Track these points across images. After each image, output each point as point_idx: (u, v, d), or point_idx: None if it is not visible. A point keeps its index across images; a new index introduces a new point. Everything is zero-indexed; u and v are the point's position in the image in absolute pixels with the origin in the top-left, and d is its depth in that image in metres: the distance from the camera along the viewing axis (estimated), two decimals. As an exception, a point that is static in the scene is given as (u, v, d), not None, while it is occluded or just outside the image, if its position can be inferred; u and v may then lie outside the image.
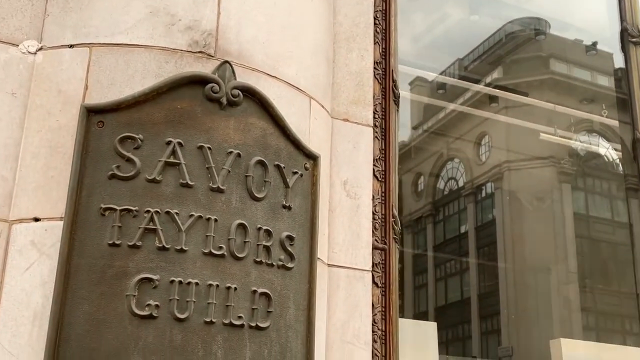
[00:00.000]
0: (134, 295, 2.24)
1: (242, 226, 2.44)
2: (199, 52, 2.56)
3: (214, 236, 2.37)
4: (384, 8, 3.42)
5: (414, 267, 22.70)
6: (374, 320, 2.89)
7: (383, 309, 2.98)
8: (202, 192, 2.40)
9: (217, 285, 2.34)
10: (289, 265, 2.53)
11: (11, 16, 2.58)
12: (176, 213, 2.34)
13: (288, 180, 2.60)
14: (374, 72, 3.26)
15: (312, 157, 2.72)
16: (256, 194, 2.49)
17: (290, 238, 2.55)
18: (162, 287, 2.27)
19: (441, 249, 23.36)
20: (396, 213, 3.18)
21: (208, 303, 2.31)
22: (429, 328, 5.98)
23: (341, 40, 3.13)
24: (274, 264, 2.49)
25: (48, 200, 2.36)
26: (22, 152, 2.44)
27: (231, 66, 2.55)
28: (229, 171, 2.46)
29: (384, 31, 3.39)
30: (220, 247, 2.38)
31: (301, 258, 2.59)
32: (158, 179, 2.36)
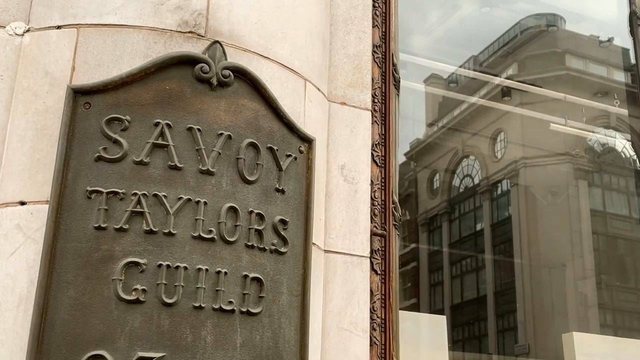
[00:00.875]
0: (121, 280, 2.18)
1: (232, 209, 2.37)
2: (189, 32, 2.50)
3: (203, 219, 2.31)
4: (384, -9, 3.34)
5: (429, 265, 22.60)
6: (372, 308, 2.81)
7: (382, 297, 2.91)
8: (192, 174, 2.34)
9: (207, 270, 2.28)
10: (282, 249, 2.46)
11: (-2, -2, 2.53)
12: (164, 196, 2.28)
13: (281, 163, 2.53)
14: (373, 55, 3.18)
15: (307, 140, 2.65)
16: (248, 177, 2.43)
17: (283, 222, 2.49)
18: (150, 271, 2.21)
19: (457, 246, 23.22)
20: (396, 199, 3.10)
21: (197, 288, 2.25)
22: (439, 322, 5.91)
23: (338, 22, 3.05)
24: (267, 248, 2.42)
25: (34, 183, 2.31)
26: (9, 135, 2.39)
27: (222, 46, 2.48)
28: (220, 153, 2.39)
29: (383, 14, 3.32)
30: (210, 231, 2.32)
31: (295, 243, 2.52)
32: (146, 161, 2.30)
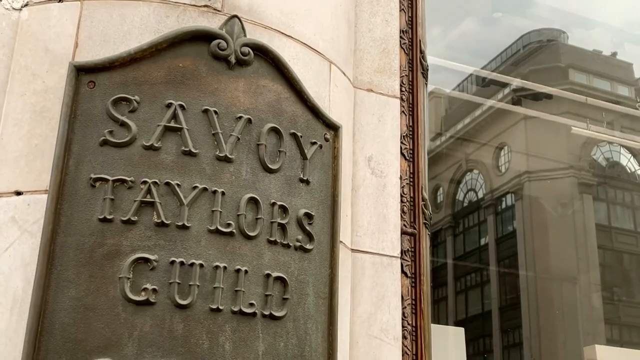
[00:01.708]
0: (128, 278, 1.92)
1: (253, 200, 2.12)
2: (204, 5, 2.25)
3: (221, 211, 2.06)
4: (409, -27, 3.11)
5: (433, 280, 22.33)
6: (403, 314, 2.55)
7: (413, 302, 2.65)
8: (208, 161, 2.09)
9: (225, 268, 2.02)
10: (308, 246, 2.21)
11: (-6, -31, 2.29)
12: (177, 184, 2.03)
13: (306, 151, 2.28)
14: (400, 40, 2.94)
15: (333, 128, 2.40)
16: (270, 165, 2.18)
17: (308, 216, 2.23)
18: (161, 269, 1.95)
19: (461, 261, 22.94)
20: (426, 196, 2.85)
21: (214, 288, 1.99)
22: (458, 333, 5.65)
23: (364, 3, 2.81)
24: (291, 244, 2.17)
25: (31, 171, 2.06)
26: (4, 119, 2.14)
27: (240, 21, 2.24)
28: (238, 138, 2.14)
29: (409, -2, 3.08)
30: (229, 224, 2.06)
31: (321, 239, 2.26)
32: (157, 145, 2.05)
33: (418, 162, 2.86)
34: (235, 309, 2.00)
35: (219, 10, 2.27)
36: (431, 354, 2.69)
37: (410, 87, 2.95)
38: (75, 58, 2.15)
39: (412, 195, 2.79)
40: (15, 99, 2.15)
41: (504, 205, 20.87)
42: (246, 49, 2.22)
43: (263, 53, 2.26)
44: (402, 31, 2.98)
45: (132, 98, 2.07)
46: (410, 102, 2.92)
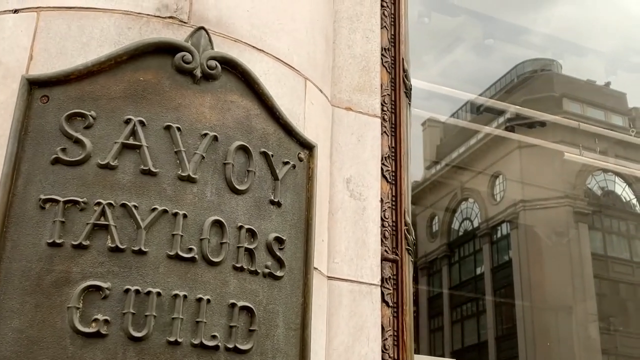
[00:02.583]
0: (78, 308, 1.76)
1: (218, 224, 1.96)
2: (170, 17, 2.12)
3: (182, 235, 1.90)
4: (392, -10, 2.99)
5: (429, 310, 22.08)
6: (384, 346, 2.38)
7: (395, 333, 2.48)
8: (169, 181, 1.94)
9: (185, 297, 1.86)
10: (278, 273, 2.05)
11: (-53, -21, 2.16)
12: (134, 206, 1.88)
13: (277, 171, 2.13)
14: (382, 58, 2.81)
15: (308, 147, 2.25)
16: (237, 186, 2.03)
17: (279, 240, 2.08)
18: (114, 298, 1.79)
19: (457, 290, 22.72)
20: (409, 220, 2.70)
21: (173, 318, 1.83)
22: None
23: (343, 19, 2.69)
24: (259, 271, 2.01)
25: (-23, 191, 1.90)
26: (-50, 136, 1.99)
27: (208, 33, 2.11)
28: (203, 157, 2.00)
29: (392, 15, 2.96)
30: (190, 249, 1.90)
31: (293, 266, 2.10)
32: (113, 164, 1.90)
33: (401, 185, 2.71)
34: (196, 342, 1.84)
35: (185, 22, 2.13)
36: (415, 389, 2.51)
37: (393, 106, 2.81)
38: (30, 71, 2.01)
39: (394, 219, 2.64)
40: (-37, 115, 2.00)
41: (499, 234, 20.74)
42: (213, 63, 2.08)
43: (232, 67, 2.12)
44: (385, 49, 2.85)
45: (88, 113, 1.93)
46: (393, 122, 2.79)
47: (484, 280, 21.19)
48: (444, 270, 22.58)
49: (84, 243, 1.81)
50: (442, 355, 20.29)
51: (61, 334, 1.74)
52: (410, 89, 2.93)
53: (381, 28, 2.86)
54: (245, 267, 1.98)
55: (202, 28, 2.11)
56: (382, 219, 2.58)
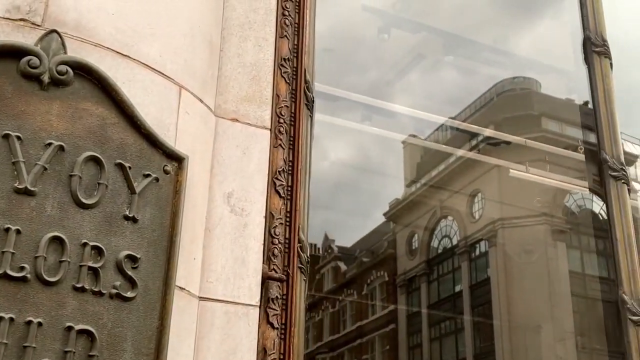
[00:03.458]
0: None
1: (58, 240, 1.82)
2: (21, 19, 1.99)
3: (13, 252, 1.76)
4: (296, -2, 2.87)
5: (408, 327, 21.90)
6: (265, 372, 2.24)
7: (281, 356, 2.33)
8: (3, 194, 1.80)
9: (12, 319, 1.71)
10: (129, 294, 1.90)
11: None
12: (-40, 221, 1.73)
13: (135, 184, 1.99)
14: (281, 69, 2.68)
15: (177, 159, 2.11)
16: (83, 200, 1.89)
17: (132, 259, 1.93)
18: None
19: (436, 308, 22.58)
20: (303, 237, 2.56)
21: (-5, 344, 1.68)
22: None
23: (233, 26, 2.56)
24: (105, 292, 1.86)
25: None
26: None
27: (61, 37, 1.98)
28: (45, 168, 1.86)
29: (296, 25, 2.84)
30: (22, 268, 1.76)
31: (149, 286, 1.95)
32: (-62, 175, 1.75)
33: (296, 201, 2.57)
34: (21, 370, 1.69)
35: (38, 25, 2.00)
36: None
37: (292, 118, 2.68)
38: None
39: (287, 236, 2.50)
40: None
41: (477, 252, 20.65)
42: (64, 68, 1.94)
43: (86, 73, 1.99)
44: (284, 59, 2.72)
45: None
46: (292, 134, 2.66)
47: (462, 298, 21.06)
48: (422, 287, 22.44)
49: None
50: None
51: None
52: (313, 100, 2.80)
53: (281, 37, 2.74)
54: (87, 287, 1.83)
55: (55, 31, 1.97)
56: (272, 235, 2.45)
